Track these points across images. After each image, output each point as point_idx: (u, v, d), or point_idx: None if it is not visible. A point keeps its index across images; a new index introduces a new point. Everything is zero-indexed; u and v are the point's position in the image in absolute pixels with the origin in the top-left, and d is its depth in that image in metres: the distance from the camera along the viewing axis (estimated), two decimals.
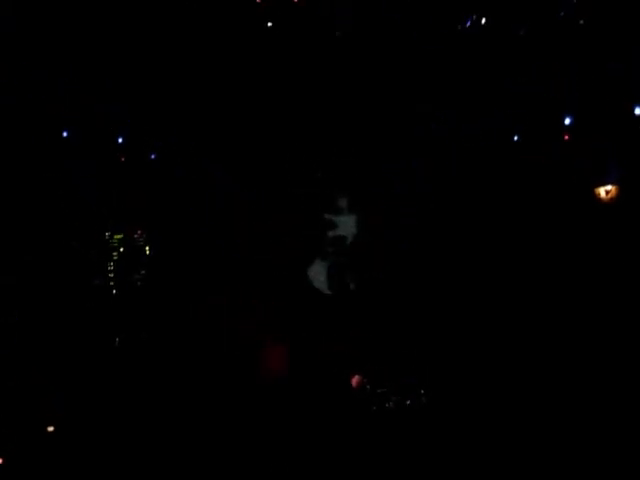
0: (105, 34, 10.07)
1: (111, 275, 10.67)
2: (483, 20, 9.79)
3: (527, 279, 10.03)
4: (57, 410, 8.55)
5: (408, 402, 9.85)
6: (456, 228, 10.26)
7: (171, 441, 8.54)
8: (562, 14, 9.51)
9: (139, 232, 10.87)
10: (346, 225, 10.31)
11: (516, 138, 10.30)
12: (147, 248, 10.87)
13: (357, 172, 10.37)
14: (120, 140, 10.59)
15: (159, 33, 10.16)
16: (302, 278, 10.20)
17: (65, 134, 10.31)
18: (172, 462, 8.27)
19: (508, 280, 10.05)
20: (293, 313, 10.02)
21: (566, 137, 10.14)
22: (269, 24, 10.13)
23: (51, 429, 8.28)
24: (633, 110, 9.78)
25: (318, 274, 10.28)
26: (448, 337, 9.94)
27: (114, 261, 10.73)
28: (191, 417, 8.91)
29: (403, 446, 8.99)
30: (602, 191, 10.19)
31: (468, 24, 9.78)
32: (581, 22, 9.56)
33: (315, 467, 8.59)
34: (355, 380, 9.86)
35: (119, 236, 10.85)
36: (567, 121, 10.10)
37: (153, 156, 10.67)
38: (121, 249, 10.79)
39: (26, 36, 9.81)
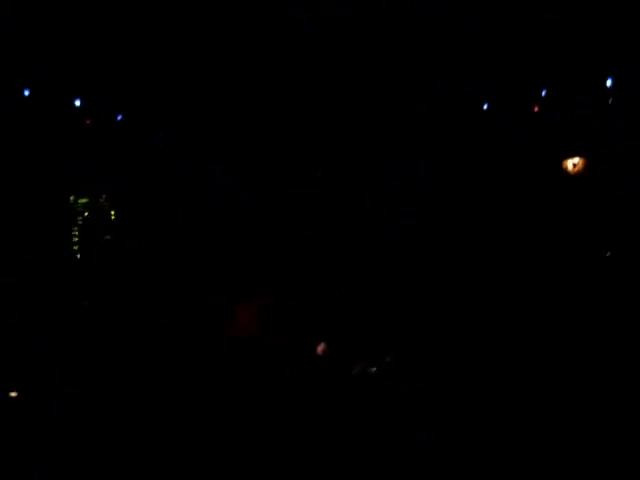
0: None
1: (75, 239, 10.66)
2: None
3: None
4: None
5: (374, 369, 9.89)
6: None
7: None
8: None
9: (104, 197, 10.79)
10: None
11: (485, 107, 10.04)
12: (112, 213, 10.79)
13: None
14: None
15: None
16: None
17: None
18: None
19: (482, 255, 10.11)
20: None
21: (536, 109, 9.80)
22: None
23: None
24: (604, 83, 9.42)
25: None
26: (414, 304, 10.00)
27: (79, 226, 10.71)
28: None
29: (366, 412, 8.95)
30: (569, 163, 9.95)
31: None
32: None
33: (280, 434, 8.73)
34: (320, 348, 9.91)
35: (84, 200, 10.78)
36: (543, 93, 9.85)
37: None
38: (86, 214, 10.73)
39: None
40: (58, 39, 9.88)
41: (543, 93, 9.73)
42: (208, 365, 9.37)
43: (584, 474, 7.72)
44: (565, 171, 10.04)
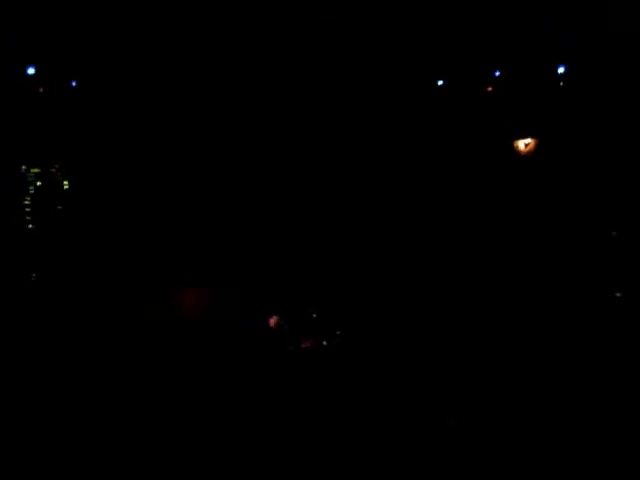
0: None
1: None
2: None
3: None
4: None
5: (324, 343, 10.01)
6: None
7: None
8: None
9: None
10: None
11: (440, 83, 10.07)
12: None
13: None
14: None
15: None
16: None
17: None
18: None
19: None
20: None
21: (489, 88, 9.86)
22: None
23: None
24: (556, 69, 9.51)
25: None
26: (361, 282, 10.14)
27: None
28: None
29: (318, 384, 9.15)
30: (521, 144, 10.04)
31: None
32: None
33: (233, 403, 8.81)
34: (273, 320, 10.00)
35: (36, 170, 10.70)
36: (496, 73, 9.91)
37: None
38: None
39: None
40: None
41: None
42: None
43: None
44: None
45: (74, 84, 10.55)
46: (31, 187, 10.68)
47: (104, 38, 10.04)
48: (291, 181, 10.30)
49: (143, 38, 10.00)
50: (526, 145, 9.96)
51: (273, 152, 10.26)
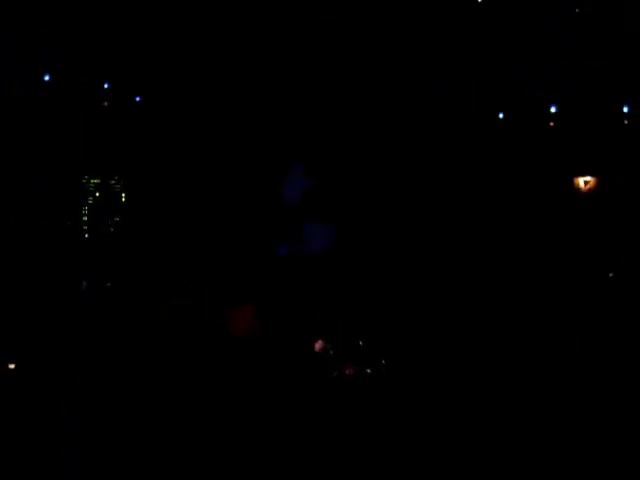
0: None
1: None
2: None
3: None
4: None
5: (368, 370, 9.95)
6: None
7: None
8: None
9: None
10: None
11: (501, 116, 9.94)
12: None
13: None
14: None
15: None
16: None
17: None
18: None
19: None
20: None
21: (551, 123, 9.76)
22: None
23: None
24: (621, 107, 9.36)
25: None
26: (408, 310, 10.03)
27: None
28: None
29: (360, 412, 9.15)
30: (581, 181, 9.86)
31: None
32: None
33: (277, 429, 8.81)
34: (318, 345, 9.96)
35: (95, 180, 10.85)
36: (553, 109, 9.79)
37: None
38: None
39: None
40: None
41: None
42: (208, 364, 9.46)
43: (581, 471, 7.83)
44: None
45: (138, 99, 10.67)
46: (90, 198, 10.80)
47: (165, 56, 10.20)
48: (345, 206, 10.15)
49: (202, 57, 10.05)
50: (586, 183, 9.67)
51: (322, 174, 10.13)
